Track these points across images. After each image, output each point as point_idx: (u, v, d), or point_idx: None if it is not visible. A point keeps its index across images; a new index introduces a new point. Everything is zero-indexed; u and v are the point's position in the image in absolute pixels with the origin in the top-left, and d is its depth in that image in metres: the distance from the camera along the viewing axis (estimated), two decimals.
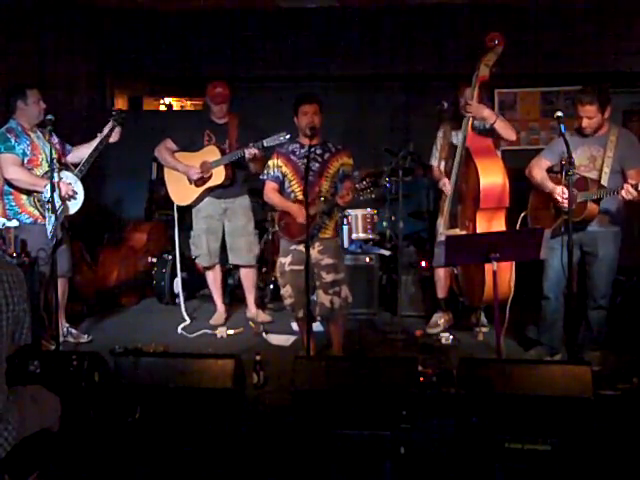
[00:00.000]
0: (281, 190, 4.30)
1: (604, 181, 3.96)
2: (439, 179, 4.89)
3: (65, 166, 4.63)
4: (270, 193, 4.31)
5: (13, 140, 4.43)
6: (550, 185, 4.11)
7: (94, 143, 4.63)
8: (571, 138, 4.01)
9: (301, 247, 4.03)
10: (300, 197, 4.15)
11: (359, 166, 5.41)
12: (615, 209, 4.06)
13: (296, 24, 6.44)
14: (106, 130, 4.65)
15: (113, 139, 4.67)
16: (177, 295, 5.88)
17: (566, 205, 3.79)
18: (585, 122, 3.98)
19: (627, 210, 4.12)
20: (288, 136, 4.32)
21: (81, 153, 4.68)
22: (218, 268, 5.32)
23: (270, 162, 4.31)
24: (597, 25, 6.11)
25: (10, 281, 2.34)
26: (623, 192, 3.75)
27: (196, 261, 5.28)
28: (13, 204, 4.50)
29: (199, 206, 5.11)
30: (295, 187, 4.21)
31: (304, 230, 3.89)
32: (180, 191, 5.09)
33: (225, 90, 4.97)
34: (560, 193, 3.97)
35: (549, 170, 4.21)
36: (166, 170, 5.14)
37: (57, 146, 4.63)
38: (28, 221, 4.48)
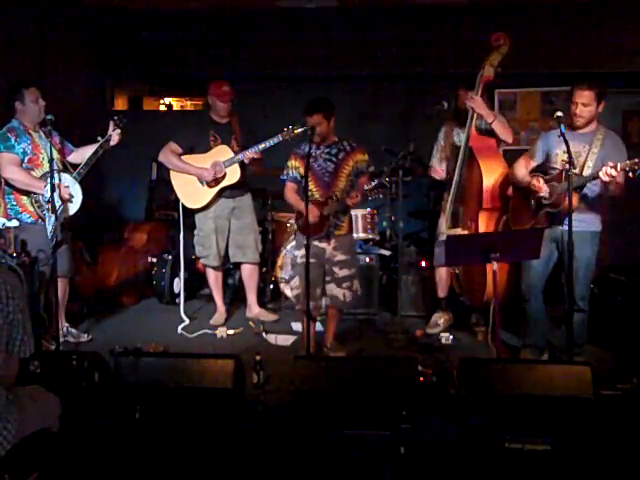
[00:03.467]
0: (299, 190, 4.37)
1: (585, 174, 3.94)
2: (442, 178, 4.90)
3: (64, 167, 4.63)
4: (289, 193, 4.41)
5: (13, 139, 4.42)
6: (528, 178, 4.12)
7: (95, 146, 4.62)
8: (557, 136, 4.03)
9: (316, 242, 4.18)
10: (317, 196, 4.26)
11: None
12: (594, 209, 4.04)
13: (296, 24, 6.43)
14: (108, 133, 4.64)
15: (113, 142, 4.65)
16: (177, 295, 5.89)
17: (543, 194, 3.97)
18: (579, 109, 3.92)
19: (628, 210, 4.13)
20: (304, 129, 4.30)
21: (84, 154, 4.67)
22: (220, 268, 5.33)
23: (289, 163, 4.38)
24: (597, 25, 6.11)
25: (8, 289, 2.32)
26: (601, 173, 3.71)
27: (204, 262, 5.25)
28: (14, 203, 4.50)
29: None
30: (312, 186, 4.25)
31: (321, 228, 4.17)
32: (192, 194, 5.02)
33: (230, 88, 4.97)
34: (536, 183, 4.00)
35: (534, 170, 4.19)
36: (172, 174, 5.04)
37: (58, 146, 4.64)
38: (29, 220, 4.47)
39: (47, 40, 6.02)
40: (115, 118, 4.69)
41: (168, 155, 5.01)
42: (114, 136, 4.64)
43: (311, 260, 4.14)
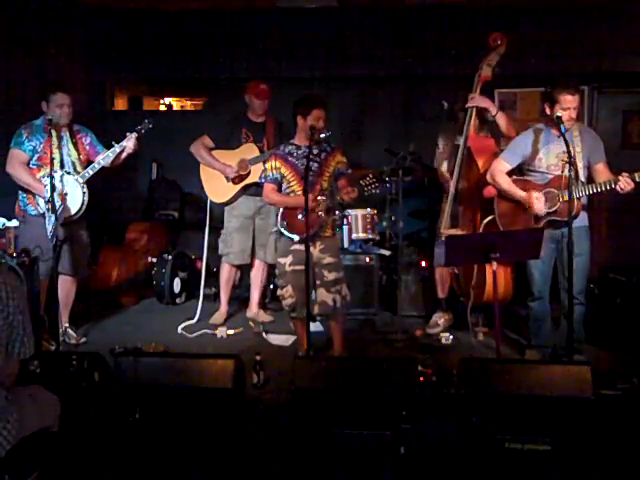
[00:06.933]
0: (279, 191, 4.31)
1: (581, 176, 3.98)
2: (446, 181, 4.88)
3: (74, 169, 4.63)
4: (271, 193, 4.31)
5: (25, 136, 4.49)
6: (520, 194, 4.10)
7: (117, 150, 4.59)
8: (541, 137, 4.05)
9: (302, 247, 4.03)
10: (302, 195, 4.14)
11: (359, 165, 5.43)
12: (586, 206, 4.09)
13: (296, 24, 6.43)
14: (129, 138, 4.60)
15: (129, 150, 4.63)
16: (177, 295, 5.90)
17: (543, 209, 3.98)
18: (573, 113, 3.94)
19: (628, 210, 4.13)
20: (329, 133, 4.23)
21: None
22: (234, 267, 5.34)
23: (267, 165, 4.32)
24: (597, 25, 6.10)
25: (8, 290, 2.32)
26: (621, 184, 3.79)
27: (225, 260, 5.27)
28: (24, 194, 4.55)
29: (234, 204, 5.15)
30: (295, 187, 4.22)
31: (311, 226, 3.96)
32: (216, 188, 5.13)
33: (268, 88, 5.06)
34: (534, 201, 4.00)
35: (511, 173, 4.20)
36: (201, 167, 5.18)
37: (87, 147, 4.70)
38: (33, 213, 4.51)
39: (47, 40, 6.02)
40: (146, 121, 4.65)
41: (199, 148, 5.14)
42: (130, 144, 4.61)
43: (298, 267, 4.12)
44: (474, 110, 4.55)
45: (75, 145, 4.61)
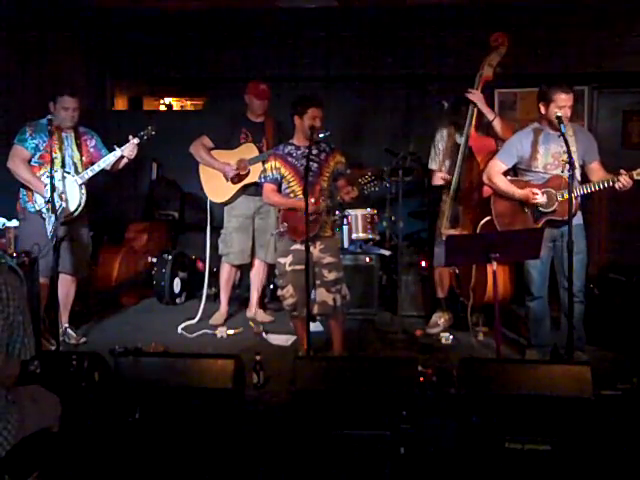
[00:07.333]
0: (278, 191, 4.32)
1: (577, 175, 3.99)
2: (441, 181, 4.89)
3: (75, 169, 4.64)
4: (271, 194, 4.32)
5: (28, 134, 4.52)
6: (519, 192, 4.11)
7: (118, 154, 4.62)
8: (538, 137, 4.06)
9: (302, 247, 4.03)
10: (302, 197, 4.14)
11: (359, 165, 5.41)
12: (580, 205, 4.12)
13: (296, 24, 6.43)
14: (130, 143, 4.62)
15: (130, 156, 4.65)
16: (177, 295, 5.90)
17: (545, 203, 4.00)
18: (568, 111, 3.97)
19: (628, 210, 4.14)
20: (328, 133, 4.20)
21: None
22: (234, 268, 5.33)
23: (267, 165, 4.32)
24: (596, 25, 6.10)
25: (9, 290, 2.32)
26: (620, 183, 3.83)
27: (225, 260, 5.27)
28: (24, 192, 4.57)
29: (233, 204, 5.16)
30: (295, 187, 4.22)
31: (313, 227, 4.00)
32: (216, 188, 5.14)
33: (268, 88, 5.08)
34: (534, 196, 4.01)
35: (505, 174, 4.23)
36: (201, 167, 5.18)
37: (91, 150, 4.73)
38: (32, 210, 4.53)
39: (47, 40, 6.02)
40: (149, 127, 4.68)
41: (198, 148, 5.14)
42: (129, 149, 4.62)
43: (298, 267, 4.13)
44: (475, 110, 4.56)
45: (79, 147, 4.64)
